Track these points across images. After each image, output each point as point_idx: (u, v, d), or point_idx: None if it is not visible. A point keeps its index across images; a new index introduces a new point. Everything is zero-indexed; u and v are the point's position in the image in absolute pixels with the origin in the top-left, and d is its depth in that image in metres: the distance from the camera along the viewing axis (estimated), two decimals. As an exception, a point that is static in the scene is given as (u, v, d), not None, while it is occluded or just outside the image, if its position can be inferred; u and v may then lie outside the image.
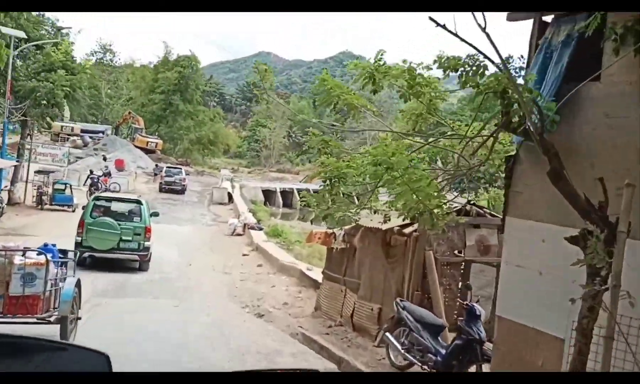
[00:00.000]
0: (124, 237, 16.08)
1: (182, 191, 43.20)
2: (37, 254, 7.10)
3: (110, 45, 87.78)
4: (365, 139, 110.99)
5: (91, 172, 35.80)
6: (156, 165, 54.14)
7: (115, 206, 17.03)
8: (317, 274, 15.76)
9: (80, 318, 8.14)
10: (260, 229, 26.44)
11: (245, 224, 27.59)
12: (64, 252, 8.41)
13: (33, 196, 29.28)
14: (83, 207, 19.11)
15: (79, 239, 15.75)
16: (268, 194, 56.83)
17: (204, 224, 31.07)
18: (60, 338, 6.51)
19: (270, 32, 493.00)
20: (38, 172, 30.64)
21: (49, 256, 7.12)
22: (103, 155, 50.58)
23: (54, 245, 7.96)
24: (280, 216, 46.18)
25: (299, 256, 22.63)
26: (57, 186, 29.50)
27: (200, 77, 76.17)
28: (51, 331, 6.98)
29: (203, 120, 74.86)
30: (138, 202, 17.66)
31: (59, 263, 7.85)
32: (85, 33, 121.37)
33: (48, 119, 31.10)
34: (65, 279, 7.78)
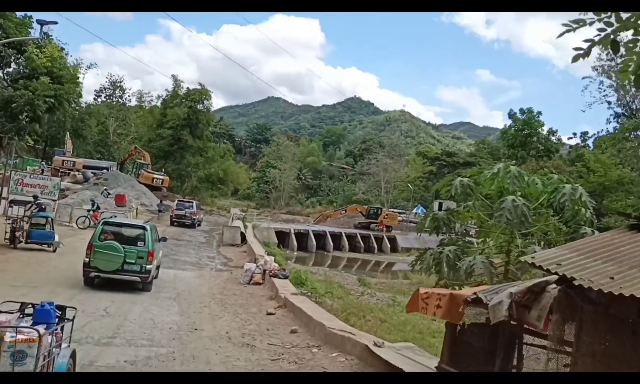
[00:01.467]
0: (127, 260, 16.67)
1: (192, 225, 41.05)
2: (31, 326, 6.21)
3: (120, 82, 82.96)
4: (379, 182, 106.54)
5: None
6: (160, 201, 48.47)
7: (123, 231, 17.59)
8: (394, 355, 9.68)
9: None
10: (286, 277, 20.28)
11: (265, 271, 21.52)
12: (61, 308, 7.13)
13: (5, 232, 23.11)
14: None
15: (87, 260, 16.59)
16: (281, 236, 51.15)
17: (213, 269, 24.91)
18: None
19: (280, 78, 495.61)
20: (12, 202, 24.74)
21: (41, 328, 6.15)
22: (105, 189, 45.08)
23: (51, 303, 6.85)
24: (294, 259, 40.67)
25: (337, 313, 16.55)
26: (35, 220, 23.17)
27: (210, 112, 70.39)
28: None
29: (213, 157, 69.47)
30: (143, 228, 17.98)
31: (55, 330, 6.60)
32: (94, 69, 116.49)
33: (27, 137, 25.17)
34: (60, 344, 6.78)
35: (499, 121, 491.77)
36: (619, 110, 44.78)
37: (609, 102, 43.82)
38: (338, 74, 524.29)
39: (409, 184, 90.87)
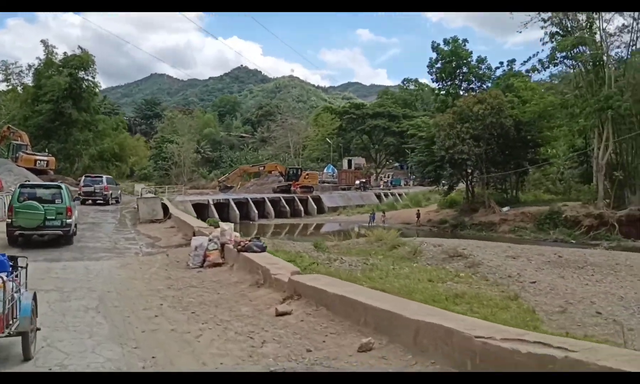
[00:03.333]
0: (48, 217, 17.31)
1: (105, 202, 35.85)
2: None
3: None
4: (287, 144, 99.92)
5: None
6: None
7: (39, 192, 18.22)
8: None
9: (39, 329, 6.98)
10: (263, 249, 13.09)
11: (222, 245, 14.31)
12: (13, 258, 7.15)
13: None
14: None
15: (9, 220, 17.38)
16: (200, 208, 43.45)
17: (139, 254, 17.20)
18: (22, 350, 6.42)
19: (161, 53, 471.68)
20: None
21: (3, 275, 6.39)
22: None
23: (3, 255, 6.94)
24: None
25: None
26: None
27: (96, 80, 59.69)
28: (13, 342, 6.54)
29: (104, 131, 59.28)
30: (58, 187, 18.93)
31: (13, 277, 6.79)
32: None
33: None
34: (19, 290, 6.88)
35: (384, 78, 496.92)
36: (555, 29, 40.45)
37: (544, 20, 39.23)
38: (220, 45, 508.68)
39: (328, 140, 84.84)
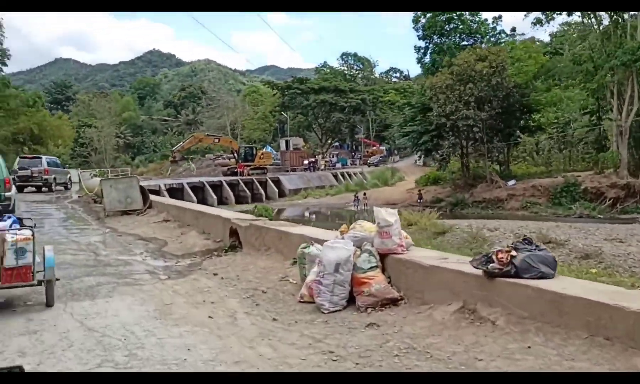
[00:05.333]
0: None
1: (46, 187, 29.65)
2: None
3: None
4: (222, 125, 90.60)
5: None
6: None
7: None
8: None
9: (58, 279, 7.17)
10: (554, 266, 5.42)
11: (385, 255, 6.55)
12: (20, 220, 7.41)
13: None
14: None
15: None
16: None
17: (162, 276, 8.90)
18: (47, 297, 6.83)
19: (64, 37, 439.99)
20: None
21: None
22: None
23: (11, 215, 7.51)
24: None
25: None
26: None
27: (4, 48, 47.93)
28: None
29: (17, 109, 47.98)
30: None
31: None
32: None
33: None
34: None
35: (301, 61, 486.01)
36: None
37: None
38: (127, 27, 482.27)
39: (277, 114, 76.30)
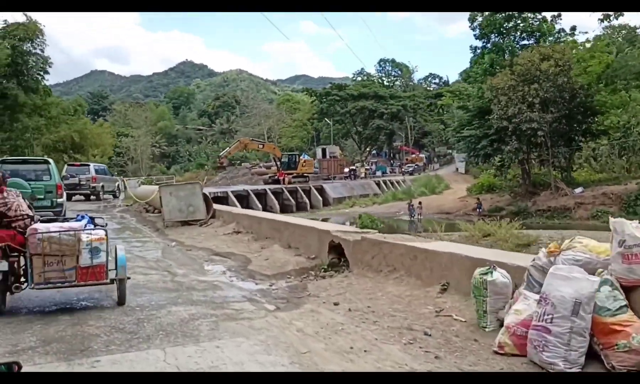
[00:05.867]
0: (36, 196, 14.14)
1: (94, 195, 28.54)
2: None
3: None
4: (260, 132, 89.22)
5: None
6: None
7: (23, 168, 15.54)
8: None
9: (129, 278, 7.15)
10: None
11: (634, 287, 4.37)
12: (92, 219, 7.39)
13: None
14: None
15: None
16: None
17: (262, 306, 6.88)
18: (119, 295, 6.83)
19: (99, 50, 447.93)
20: None
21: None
22: None
23: (85, 215, 7.45)
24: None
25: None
26: None
27: (45, 54, 46.92)
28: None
29: (59, 116, 46.95)
30: (46, 161, 16.30)
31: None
32: None
33: None
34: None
35: (332, 71, 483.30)
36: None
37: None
38: (161, 38, 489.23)
39: (316, 121, 74.29)
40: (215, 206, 15.90)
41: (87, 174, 28.45)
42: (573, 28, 40.51)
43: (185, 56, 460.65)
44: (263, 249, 10.93)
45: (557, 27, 39.67)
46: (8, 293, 6.59)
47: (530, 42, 39.18)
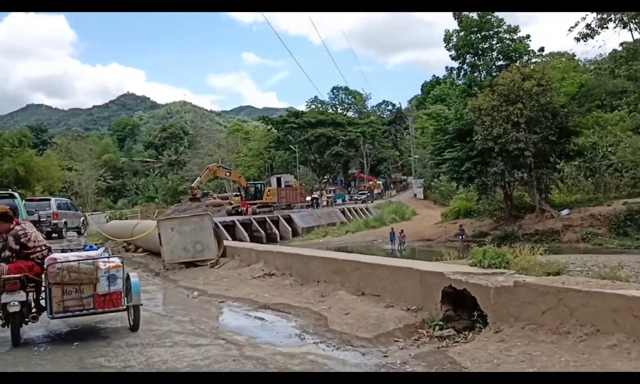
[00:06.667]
0: None
1: (56, 233, 25.49)
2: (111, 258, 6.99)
3: None
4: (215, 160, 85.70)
5: None
6: None
7: None
8: None
9: (142, 304, 7.01)
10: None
11: None
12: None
13: None
14: None
15: None
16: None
17: None
18: (133, 321, 6.77)
19: (34, 83, 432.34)
20: None
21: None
22: None
23: (92, 246, 7.86)
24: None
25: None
26: None
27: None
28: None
29: (2, 148, 42.55)
30: (11, 195, 14.60)
31: None
32: None
33: None
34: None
35: (276, 101, 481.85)
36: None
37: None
38: (99, 72, 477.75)
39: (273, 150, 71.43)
40: (227, 243, 13.01)
41: (47, 210, 25.50)
42: (541, 49, 39.89)
43: (127, 89, 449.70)
44: (324, 297, 8.24)
45: (529, 48, 38.85)
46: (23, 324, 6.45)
47: (506, 62, 38.13)
